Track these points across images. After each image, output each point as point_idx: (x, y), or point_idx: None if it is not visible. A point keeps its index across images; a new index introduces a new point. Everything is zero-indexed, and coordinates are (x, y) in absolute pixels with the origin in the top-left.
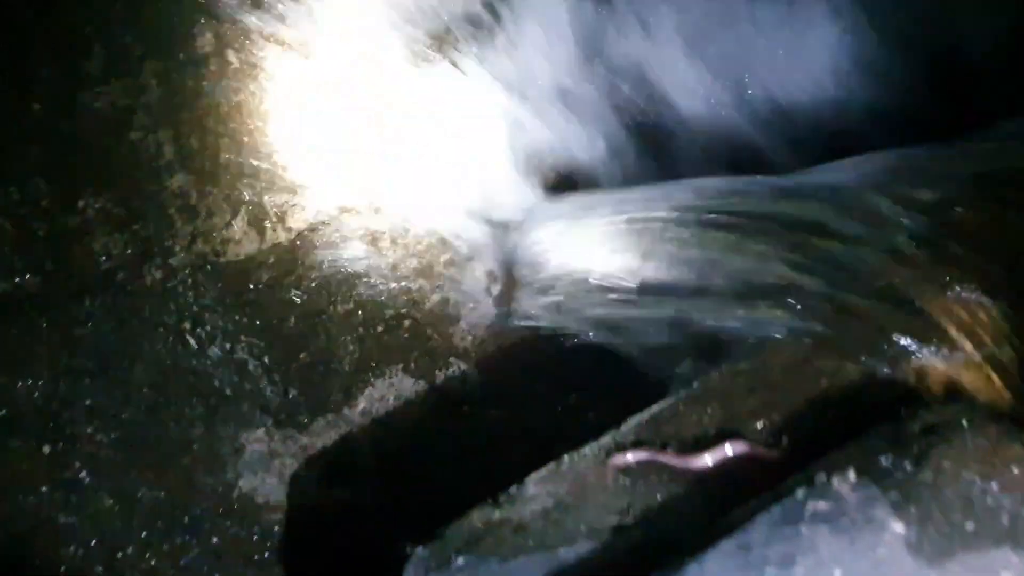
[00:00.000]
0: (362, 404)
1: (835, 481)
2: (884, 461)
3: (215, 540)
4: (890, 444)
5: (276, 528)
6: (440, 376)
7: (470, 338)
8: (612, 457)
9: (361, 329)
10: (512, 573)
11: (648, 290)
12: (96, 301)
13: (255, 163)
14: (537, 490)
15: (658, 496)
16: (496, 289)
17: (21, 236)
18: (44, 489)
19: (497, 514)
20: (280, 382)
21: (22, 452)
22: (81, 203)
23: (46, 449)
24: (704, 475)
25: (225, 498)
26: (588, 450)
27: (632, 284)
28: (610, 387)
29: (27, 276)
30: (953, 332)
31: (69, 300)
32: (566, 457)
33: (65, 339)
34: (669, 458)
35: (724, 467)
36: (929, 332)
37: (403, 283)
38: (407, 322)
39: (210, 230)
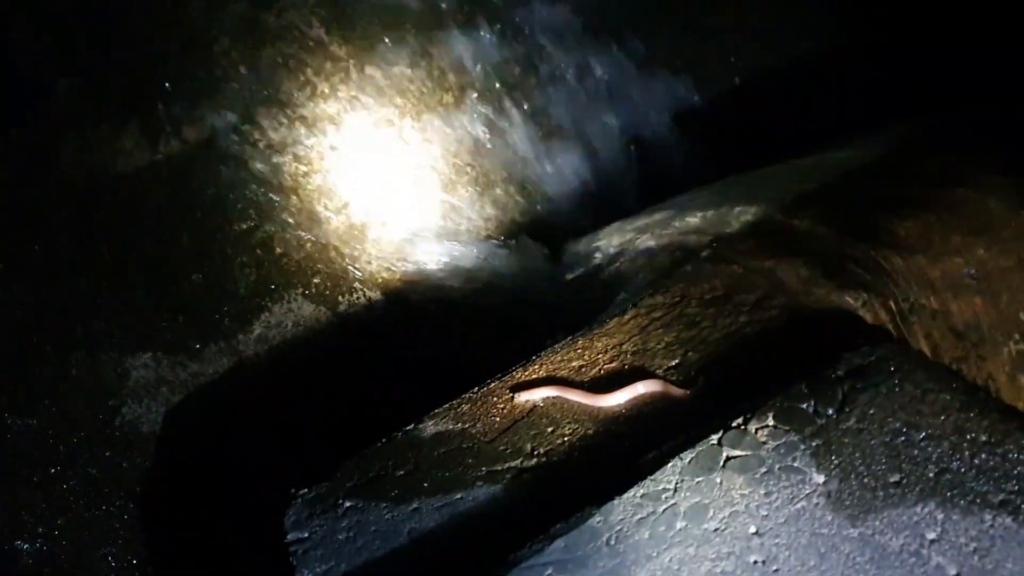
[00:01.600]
0: (258, 330)
1: (752, 426)
2: (805, 406)
3: (92, 471)
4: (812, 388)
5: (161, 460)
6: (343, 303)
7: (376, 263)
8: (518, 394)
9: (259, 250)
10: (403, 520)
11: None
12: None
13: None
14: (436, 429)
15: (564, 437)
16: None
17: None
18: None
19: (392, 455)
20: (170, 304)
21: None
22: None
23: None
24: (614, 414)
25: (105, 427)
26: (493, 385)
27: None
28: (525, 320)
29: None
30: (879, 278)
31: None
32: (468, 394)
33: None
34: (578, 396)
35: (635, 406)
36: (856, 276)
37: (305, 203)
38: (309, 244)
39: (99, 140)
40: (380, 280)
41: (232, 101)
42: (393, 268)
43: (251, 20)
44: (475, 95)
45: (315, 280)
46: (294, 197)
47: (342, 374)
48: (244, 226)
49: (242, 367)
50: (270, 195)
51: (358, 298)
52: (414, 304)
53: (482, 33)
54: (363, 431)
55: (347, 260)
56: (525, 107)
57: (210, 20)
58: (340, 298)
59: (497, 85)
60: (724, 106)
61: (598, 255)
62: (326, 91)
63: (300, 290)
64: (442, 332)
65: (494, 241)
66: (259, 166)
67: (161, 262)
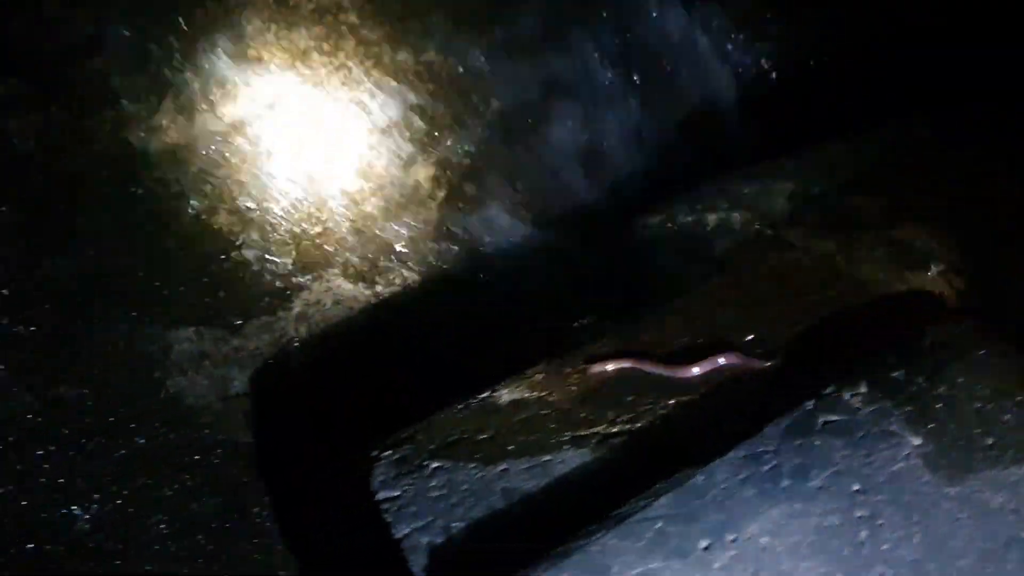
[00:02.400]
0: (297, 308)
1: (845, 393)
2: (896, 375)
3: (141, 441)
4: (902, 358)
5: (207, 431)
6: (381, 282)
7: (414, 243)
8: (592, 366)
9: (297, 229)
10: (493, 480)
11: None
12: (5, 188)
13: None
14: (511, 397)
15: (646, 406)
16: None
17: None
18: None
19: (471, 421)
20: (209, 280)
21: None
22: None
23: None
24: (693, 386)
25: (151, 399)
26: (564, 358)
27: None
28: (574, 299)
29: None
30: (943, 256)
31: None
32: (540, 366)
33: None
34: (655, 367)
35: (714, 378)
36: (919, 255)
37: (343, 183)
38: (347, 223)
39: (135, 117)
40: (417, 260)
41: (266, 82)
42: (430, 248)
43: (283, 2)
44: (512, 81)
45: (353, 259)
46: (331, 177)
47: (380, 353)
48: (281, 204)
49: (283, 344)
50: (307, 175)
51: (395, 278)
52: (453, 284)
53: (522, 20)
54: (401, 410)
55: (385, 240)
56: (564, 92)
57: (242, 1)
58: (378, 278)
59: (535, 72)
60: (769, 88)
61: (654, 235)
62: (360, 75)
63: (339, 269)
64: (483, 313)
65: (540, 220)
66: (295, 146)
67: (199, 238)
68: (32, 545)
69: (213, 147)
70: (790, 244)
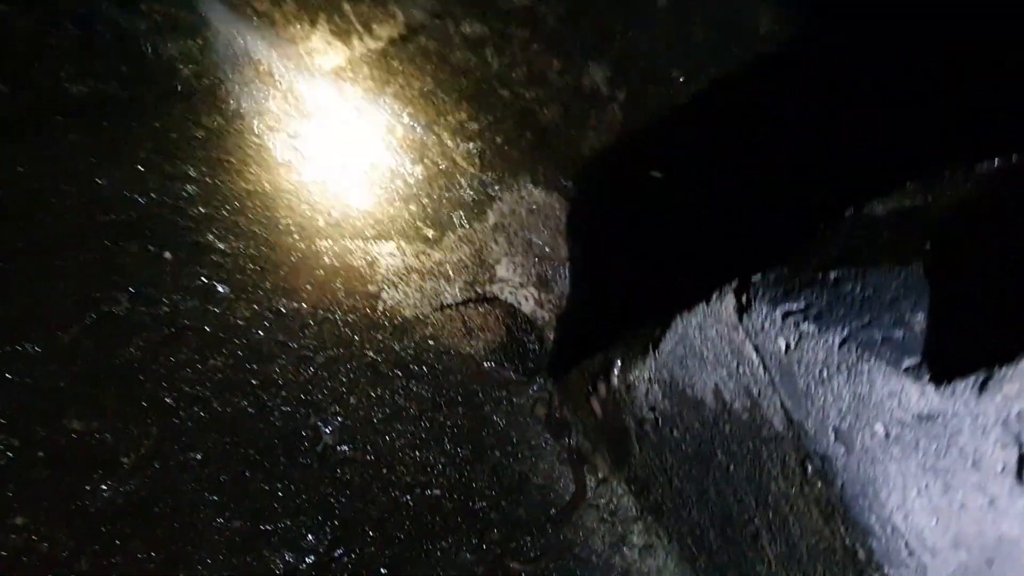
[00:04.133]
0: (492, 219)
1: None
2: None
3: (369, 353)
4: None
5: (430, 342)
6: (572, 189)
7: (600, 146)
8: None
9: (478, 141)
10: (918, 285)
11: None
12: (185, 107)
13: None
14: (887, 208)
15: None
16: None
17: (88, 39)
18: (176, 297)
19: (849, 236)
20: (398, 195)
21: (142, 257)
22: (143, 7)
23: (167, 255)
24: None
25: (371, 312)
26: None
27: None
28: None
29: (105, 79)
30: None
31: (156, 104)
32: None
33: (160, 144)
34: None
35: None
36: None
37: (523, 91)
38: (528, 134)
39: (295, 37)
40: (607, 162)
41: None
42: (619, 151)
43: None
44: None
45: (540, 167)
46: (506, 89)
47: (583, 260)
48: (460, 117)
49: (482, 255)
50: (484, 86)
51: (588, 182)
52: (640, 188)
53: None
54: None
55: (573, 142)
56: None
57: None
58: (567, 184)
59: None
60: None
61: None
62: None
63: (528, 178)
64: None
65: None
66: (463, 55)
67: (382, 153)
68: (285, 456)
69: (375, 67)
70: None
